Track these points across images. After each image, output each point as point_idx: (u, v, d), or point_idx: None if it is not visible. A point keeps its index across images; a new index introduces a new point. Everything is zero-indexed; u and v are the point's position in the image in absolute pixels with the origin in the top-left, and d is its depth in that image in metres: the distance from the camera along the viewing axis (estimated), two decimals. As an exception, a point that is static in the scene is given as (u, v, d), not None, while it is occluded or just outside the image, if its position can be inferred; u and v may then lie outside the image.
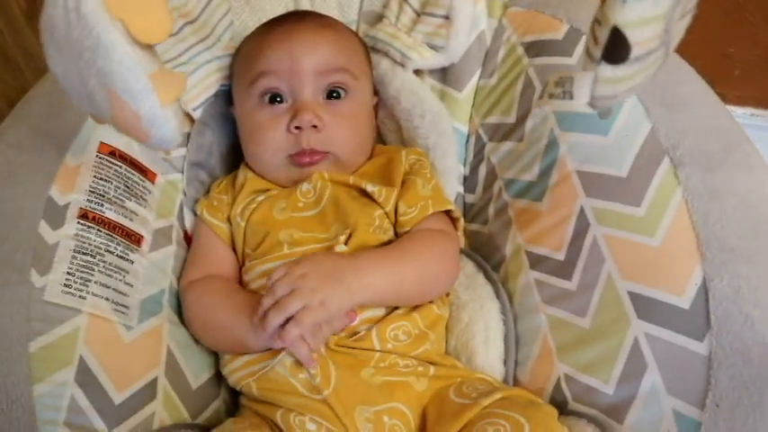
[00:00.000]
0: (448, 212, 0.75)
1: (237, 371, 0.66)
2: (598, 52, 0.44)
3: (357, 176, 0.74)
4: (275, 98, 0.75)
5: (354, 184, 0.73)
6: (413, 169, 0.76)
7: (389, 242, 0.71)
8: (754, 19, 1.14)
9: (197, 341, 0.72)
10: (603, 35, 0.43)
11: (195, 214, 0.78)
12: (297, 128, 0.72)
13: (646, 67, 0.45)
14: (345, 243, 0.69)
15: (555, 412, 0.60)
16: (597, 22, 0.43)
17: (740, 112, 1.29)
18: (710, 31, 1.17)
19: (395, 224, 0.73)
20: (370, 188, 0.72)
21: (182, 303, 0.71)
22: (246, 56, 0.78)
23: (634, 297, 0.59)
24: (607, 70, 0.45)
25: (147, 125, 0.47)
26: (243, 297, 0.69)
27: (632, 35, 0.42)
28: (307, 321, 0.58)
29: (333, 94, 0.75)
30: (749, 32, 1.16)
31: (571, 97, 0.47)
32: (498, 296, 0.72)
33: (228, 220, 0.75)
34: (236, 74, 0.79)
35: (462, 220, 0.78)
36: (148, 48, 0.45)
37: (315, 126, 0.72)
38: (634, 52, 0.43)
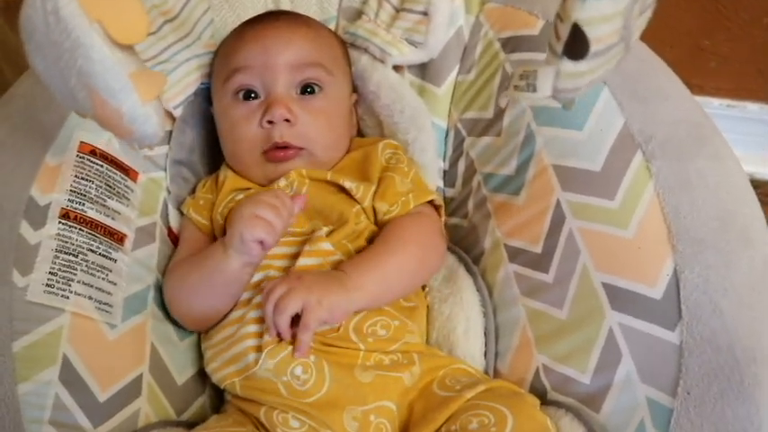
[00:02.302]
0: (430, 202, 0.76)
1: (220, 369, 0.67)
2: (560, 47, 0.45)
3: (334, 172, 0.74)
4: (249, 95, 0.75)
5: (332, 180, 0.73)
6: (389, 165, 0.76)
7: (368, 237, 0.72)
8: (727, 12, 1.16)
9: (181, 337, 0.73)
10: (564, 31, 0.44)
11: (182, 213, 0.78)
12: (269, 122, 0.73)
13: (606, 61, 0.47)
14: (327, 236, 0.69)
15: (537, 402, 0.61)
16: (559, 18, 0.45)
17: (716, 103, 1.31)
18: (686, 24, 1.19)
19: (375, 221, 0.73)
20: (347, 184, 0.72)
21: (163, 287, 0.72)
22: (222, 54, 0.79)
23: (608, 288, 0.61)
24: (568, 65, 0.46)
25: (129, 122, 0.48)
26: (200, 253, 0.71)
27: (591, 32, 0.44)
28: (311, 322, 0.60)
29: (307, 89, 0.75)
30: (723, 26, 1.18)
31: (534, 90, 0.48)
32: (478, 289, 0.73)
33: (211, 219, 0.76)
34: (214, 73, 0.80)
35: (443, 209, 0.79)
36: (127, 48, 0.46)
37: (287, 120, 0.72)
38: (593, 48, 0.44)
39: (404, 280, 0.69)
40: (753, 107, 1.30)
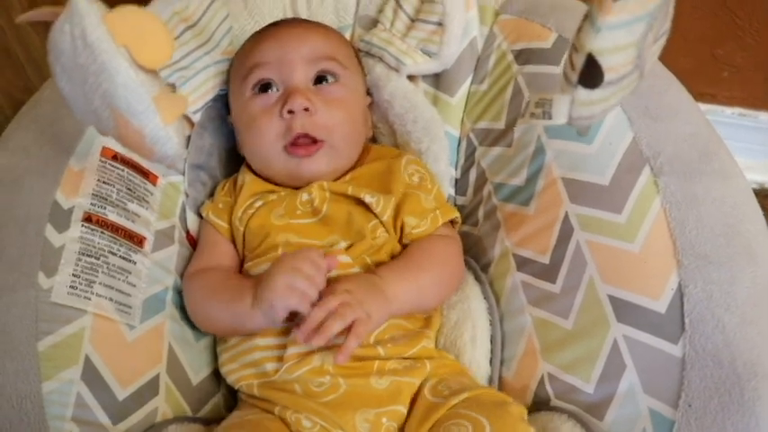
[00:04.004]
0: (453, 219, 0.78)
1: (236, 371, 0.69)
2: (575, 77, 0.47)
3: (355, 186, 0.75)
4: (267, 87, 0.77)
5: (353, 195, 0.74)
6: (413, 182, 0.77)
7: (389, 252, 0.73)
8: (741, 22, 1.16)
9: (197, 338, 0.74)
10: (579, 61, 0.45)
11: (201, 217, 0.80)
12: (290, 112, 0.74)
13: (620, 89, 0.48)
14: (346, 250, 0.71)
15: (523, 411, 0.62)
16: (574, 48, 0.46)
17: (729, 112, 1.32)
18: (699, 33, 1.20)
19: (399, 236, 0.75)
20: (368, 199, 0.73)
21: (183, 293, 0.74)
22: (239, 56, 0.81)
23: (614, 300, 0.62)
24: (583, 93, 0.47)
25: (151, 142, 0.50)
26: (239, 281, 0.71)
27: (605, 62, 0.45)
28: (362, 334, 0.61)
29: (322, 79, 0.77)
30: (736, 35, 1.18)
31: (550, 118, 0.49)
32: (486, 297, 0.75)
33: (230, 222, 0.78)
34: (232, 75, 0.82)
35: (459, 222, 0.82)
36: (151, 71, 0.48)
37: (306, 109, 0.73)
38: (607, 77, 0.46)
39: (431, 295, 0.72)
40: (765, 117, 1.30)
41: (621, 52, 0.45)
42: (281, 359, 0.65)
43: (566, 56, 0.48)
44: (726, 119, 1.32)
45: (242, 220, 0.76)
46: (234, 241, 0.77)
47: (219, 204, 0.79)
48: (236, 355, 0.69)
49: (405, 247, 0.75)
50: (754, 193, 0.63)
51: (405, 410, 0.64)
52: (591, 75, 0.46)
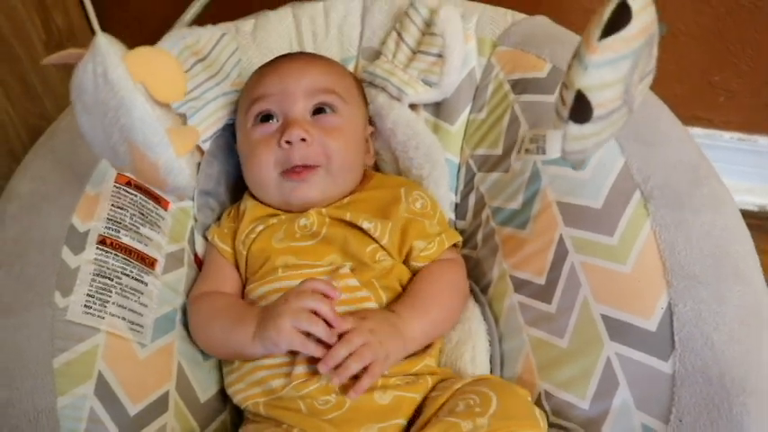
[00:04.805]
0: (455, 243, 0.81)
1: (242, 391, 0.71)
2: (566, 112, 0.49)
3: (353, 212, 0.77)
4: (268, 118, 0.80)
5: (351, 221, 0.77)
6: (416, 209, 0.80)
7: (398, 277, 0.76)
8: (735, 49, 1.20)
9: (205, 358, 0.77)
10: (570, 97, 0.48)
11: (206, 240, 0.83)
12: (287, 142, 0.77)
13: (610, 125, 0.51)
14: (352, 272, 0.73)
15: (528, 394, 0.66)
16: (564, 85, 0.49)
17: (727, 137, 1.34)
18: (695, 61, 1.23)
19: (405, 259, 0.77)
20: (366, 225, 0.76)
21: (188, 315, 0.76)
22: (245, 89, 0.85)
23: (607, 320, 0.64)
24: (574, 128, 0.50)
25: (165, 174, 0.53)
26: (241, 308, 0.73)
27: (594, 98, 0.48)
28: (378, 374, 0.64)
29: (320, 110, 0.80)
30: (731, 62, 1.22)
31: (544, 152, 0.52)
32: (485, 318, 0.77)
33: (234, 247, 0.80)
34: (239, 106, 0.86)
35: (460, 246, 0.84)
36: (166, 106, 0.51)
37: (304, 140, 0.77)
38: (596, 113, 0.49)
39: (444, 326, 0.76)
40: (762, 140, 1.33)
41: (609, 88, 0.48)
42: (287, 375, 0.67)
43: (557, 92, 0.51)
44: (725, 143, 1.34)
45: (245, 243, 0.78)
46: (237, 265, 0.80)
47: (225, 229, 0.82)
48: (243, 375, 0.71)
49: (412, 271, 0.78)
50: (753, 216, 0.65)
51: (405, 423, 0.66)
52: (581, 110, 0.48)
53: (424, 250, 0.77)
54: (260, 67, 0.85)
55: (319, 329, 0.63)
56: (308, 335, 0.64)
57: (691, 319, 0.60)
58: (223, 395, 0.77)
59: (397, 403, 0.67)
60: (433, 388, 0.69)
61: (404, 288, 0.76)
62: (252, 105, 0.81)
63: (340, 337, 0.64)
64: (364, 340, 0.64)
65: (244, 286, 0.79)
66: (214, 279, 0.79)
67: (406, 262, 0.78)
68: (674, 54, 1.21)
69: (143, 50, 0.48)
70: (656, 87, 0.73)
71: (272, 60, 0.86)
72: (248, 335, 0.67)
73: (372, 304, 0.72)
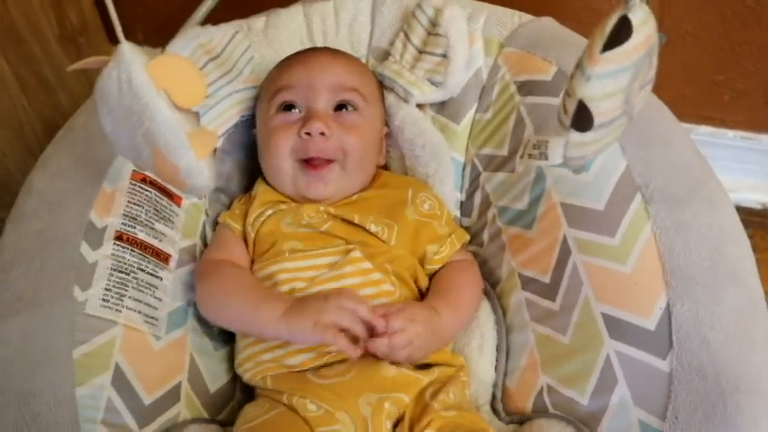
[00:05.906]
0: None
1: (251, 369, 0.73)
2: (568, 121, 0.51)
3: (360, 214, 0.79)
4: (290, 108, 0.82)
5: (360, 224, 0.78)
6: (424, 211, 0.82)
7: (408, 268, 0.78)
8: (740, 49, 1.21)
9: (215, 349, 0.79)
10: (572, 106, 0.50)
11: (217, 223, 0.84)
12: (307, 134, 0.79)
13: (610, 132, 0.52)
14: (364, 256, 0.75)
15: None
16: (567, 94, 0.50)
17: (731, 135, 1.35)
18: (700, 60, 1.24)
19: (420, 262, 0.80)
20: (373, 228, 0.78)
21: (196, 281, 0.77)
22: (269, 78, 0.87)
23: (607, 318, 0.66)
24: (576, 136, 0.52)
25: (185, 176, 0.56)
26: (265, 288, 0.75)
27: (595, 107, 0.50)
28: (400, 358, 0.66)
29: (342, 107, 0.82)
30: (735, 61, 1.22)
31: (546, 158, 0.54)
32: (494, 311, 0.80)
33: (244, 226, 0.82)
34: (260, 95, 0.88)
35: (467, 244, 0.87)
36: (187, 111, 0.53)
37: (323, 134, 0.79)
38: (597, 121, 0.50)
39: (467, 323, 0.79)
40: (766, 139, 1.34)
41: (610, 98, 0.49)
42: (299, 352, 0.70)
43: (560, 100, 0.52)
44: (729, 141, 1.35)
45: (254, 225, 0.80)
46: (245, 241, 0.81)
47: (236, 211, 0.84)
48: (254, 354, 0.73)
49: (427, 274, 0.80)
50: (757, 213, 0.67)
51: (408, 400, 0.68)
52: (582, 119, 0.50)
53: (437, 253, 0.80)
54: (286, 57, 0.87)
55: (360, 329, 0.65)
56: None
57: (688, 320, 0.61)
58: (232, 384, 0.79)
59: (403, 379, 0.69)
60: (434, 391, 0.70)
61: (417, 285, 0.78)
62: (276, 94, 0.82)
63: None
64: (403, 326, 0.65)
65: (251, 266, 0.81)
66: (225, 249, 0.80)
67: (419, 266, 0.80)
68: (679, 53, 1.22)
69: (165, 58, 0.51)
70: (662, 87, 0.75)
71: (299, 52, 0.88)
72: (272, 317, 0.67)
73: (389, 287, 0.74)
